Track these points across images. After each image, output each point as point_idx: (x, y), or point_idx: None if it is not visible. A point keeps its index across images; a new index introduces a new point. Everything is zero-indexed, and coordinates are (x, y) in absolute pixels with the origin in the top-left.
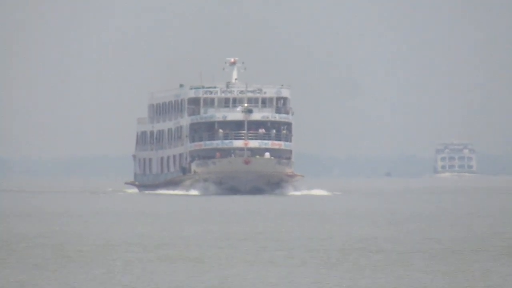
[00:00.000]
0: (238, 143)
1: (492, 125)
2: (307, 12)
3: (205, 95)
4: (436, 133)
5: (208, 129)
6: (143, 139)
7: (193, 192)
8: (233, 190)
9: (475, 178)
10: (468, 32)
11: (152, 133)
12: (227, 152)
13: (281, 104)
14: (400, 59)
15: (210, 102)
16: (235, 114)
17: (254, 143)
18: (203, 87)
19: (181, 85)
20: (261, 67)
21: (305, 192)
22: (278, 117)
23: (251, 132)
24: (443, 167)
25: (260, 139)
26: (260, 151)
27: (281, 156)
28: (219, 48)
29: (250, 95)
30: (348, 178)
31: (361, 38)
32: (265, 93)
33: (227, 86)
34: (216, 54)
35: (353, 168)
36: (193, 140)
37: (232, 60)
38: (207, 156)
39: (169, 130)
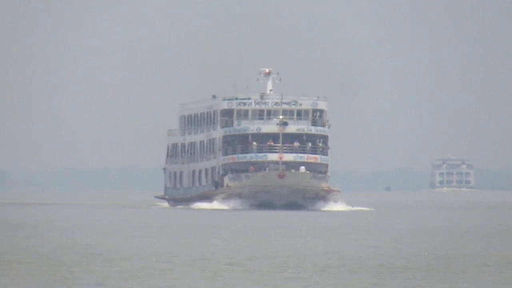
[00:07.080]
0: (273, 157)
1: (490, 141)
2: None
3: (238, 107)
4: (433, 148)
5: (241, 141)
6: (174, 152)
7: (226, 206)
8: (267, 205)
9: (473, 193)
10: (467, 46)
11: (183, 145)
12: (261, 166)
13: (317, 116)
14: (399, 73)
15: (243, 114)
16: (270, 127)
17: (289, 157)
18: (236, 98)
19: (213, 96)
20: (296, 78)
21: (348, 207)
22: (314, 130)
23: (286, 145)
24: (440, 182)
25: (295, 152)
26: (295, 165)
27: (317, 170)
28: (253, 58)
29: (285, 107)
30: (351, 192)
31: (371, 50)
32: (300, 105)
33: (261, 98)
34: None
35: (351, 182)
36: (226, 153)
37: (267, 70)
38: (240, 169)
39: (201, 142)
